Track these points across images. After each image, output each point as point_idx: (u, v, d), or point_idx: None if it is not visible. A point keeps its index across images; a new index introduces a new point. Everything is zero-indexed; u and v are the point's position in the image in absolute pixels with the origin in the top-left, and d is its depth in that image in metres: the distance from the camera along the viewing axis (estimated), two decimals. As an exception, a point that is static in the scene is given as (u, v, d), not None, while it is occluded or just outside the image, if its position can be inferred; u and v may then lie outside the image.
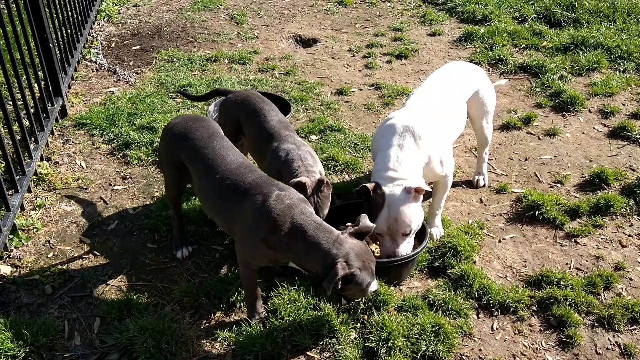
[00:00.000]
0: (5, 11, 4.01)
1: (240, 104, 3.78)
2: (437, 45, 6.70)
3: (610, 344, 3.01)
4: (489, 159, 4.59)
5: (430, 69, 6.11)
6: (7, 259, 3.47)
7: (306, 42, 6.79)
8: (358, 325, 3.05)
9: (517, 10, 7.42)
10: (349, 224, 3.62)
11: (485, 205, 4.08)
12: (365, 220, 2.81)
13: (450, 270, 3.38)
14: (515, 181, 4.33)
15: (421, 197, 3.17)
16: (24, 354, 2.83)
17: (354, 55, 6.42)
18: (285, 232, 2.71)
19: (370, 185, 3.16)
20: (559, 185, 4.27)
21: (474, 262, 3.50)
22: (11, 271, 3.38)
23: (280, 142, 3.45)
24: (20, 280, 3.32)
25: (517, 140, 4.86)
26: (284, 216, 2.72)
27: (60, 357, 2.88)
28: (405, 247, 3.17)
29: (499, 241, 3.72)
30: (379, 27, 7.15)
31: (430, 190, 3.23)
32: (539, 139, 4.87)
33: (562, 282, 3.30)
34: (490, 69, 6.07)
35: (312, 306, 3.10)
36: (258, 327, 2.96)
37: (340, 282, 2.59)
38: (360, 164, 4.43)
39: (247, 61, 6.12)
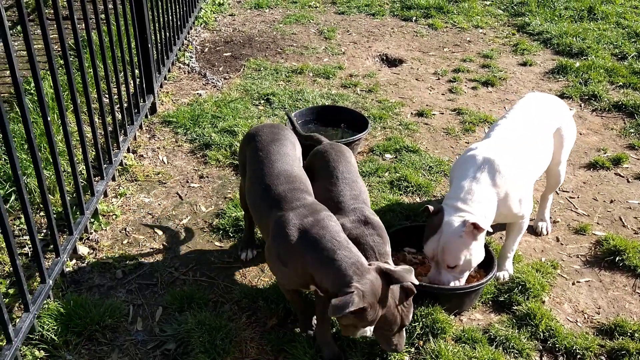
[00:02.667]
0: (113, 11, 4.29)
1: (316, 155, 3.40)
2: (527, 75, 6.50)
3: (687, 410, 2.76)
4: (570, 197, 4.39)
5: (518, 99, 5.93)
6: (86, 241, 3.67)
7: (392, 62, 6.79)
8: (412, 350, 2.98)
9: (617, 46, 7.07)
10: (407, 248, 3.60)
11: (562, 244, 3.89)
12: (402, 270, 2.55)
13: (516, 307, 3.24)
14: (598, 223, 4.10)
15: (479, 235, 3.05)
16: (89, 332, 2.97)
17: (438, 79, 6.35)
18: (300, 247, 2.58)
19: (432, 208, 3.10)
20: (645, 232, 4.00)
21: (543, 301, 3.33)
22: (88, 252, 3.57)
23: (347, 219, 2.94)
24: (95, 262, 3.50)
25: (604, 180, 4.61)
26: (301, 231, 2.60)
27: (122, 340, 3.00)
28: (449, 280, 3.08)
29: (573, 284, 3.53)
30: (467, 53, 7.04)
31: (491, 231, 3.10)
32: (628, 181, 4.60)
33: (637, 334, 3.08)
34: (582, 105, 5.81)
35: (367, 324, 3.06)
36: (307, 341, 2.96)
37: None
38: (432, 187, 4.35)
39: (331, 76, 6.19)
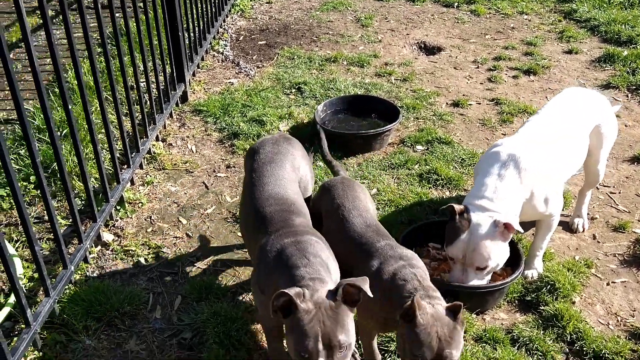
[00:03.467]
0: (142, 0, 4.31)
1: (321, 192, 3.05)
2: (572, 63, 6.21)
3: None
4: (611, 192, 4.16)
5: (561, 88, 5.67)
6: (111, 228, 3.72)
7: (430, 50, 6.61)
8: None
9: (670, 33, 6.66)
10: (431, 244, 3.48)
11: (599, 242, 3.69)
12: (360, 282, 2.14)
13: (543, 307, 3.09)
14: (639, 220, 3.87)
15: (510, 235, 2.92)
16: (108, 318, 3.01)
17: (478, 67, 6.14)
18: (274, 269, 2.37)
19: (458, 207, 2.97)
20: (691, 231, 3.75)
21: (573, 302, 3.17)
22: (113, 239, 3.62)
23: (378, 262, 2.55)
24: (119, 249, 3.54)
25: (648, 175, 4.36)
26: (278, 252, 2.39)
27: (140, 327, 3.03)
28: (475, 281, 2.95)
29: (607, 284, 3.35)
30: (510, 40, 6.78)
31: (522, 231, 2.96)
32: (676, 177, 4.33)
33: (674, 341, 2.89)
34: (629, 95, 5.50)
35: (385, 320, 2.98)
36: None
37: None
38: (464, 181, 4.21)
39: (365, 64, 6.08)
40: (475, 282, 2.97)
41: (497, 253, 2.92)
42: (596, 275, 3.40)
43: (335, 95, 5.34)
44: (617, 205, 4.04)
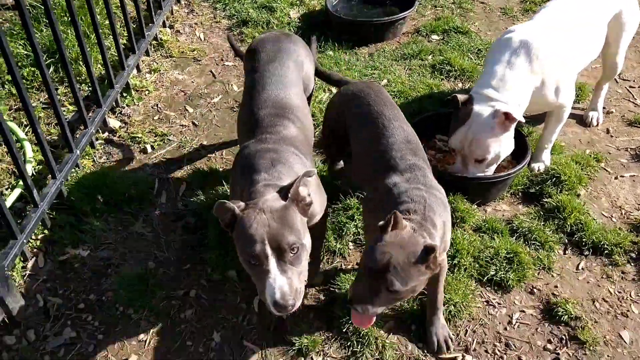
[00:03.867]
0: None
1: (348, 101, 2.76)
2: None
3: None
4: (630, 87, 3.99)
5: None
6: (118, 115, 3.72)
7: None
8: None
9: None
10: (439, 136, 3.43)
11: (612, 136, 3.59)
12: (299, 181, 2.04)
13: (546, 200, 3.08)
14: (657, 115, 3.74)
15: (511, 126, 2.82)
16: (115, 202, 3.09)
17: (504, -48, 5.72)
18: (238, 173, 2.31)
19: (461, 97, 2.87)
20: None
21: (578, 195, 3.14)
22: (120, 126, 3.63)
23: (401, 179, 2.32)
24: (126, 136, 3.57)
25: (674, 68, 4.15)
26: (250, 157, 2.28)
27: (146, 211, 3.10)
28: (474, 173, 2.92)
29: (616, 178, 3.29)
30: None
31: (523, 121, 2.86)
32: (703, 70, 4.11)
33: (676, 235, 2.88)
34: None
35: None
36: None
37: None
38: (478, 72, 4.06)
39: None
40: (476, 174, 2.95)
41: (496, 144, 2.85)
42: (605, 169, 3.35)
43: (351, -20, 5.07)
44: (635, 99, 3.89)
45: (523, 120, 2.84)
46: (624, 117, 3.73)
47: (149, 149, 3.49)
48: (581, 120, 3.70)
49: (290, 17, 4.63)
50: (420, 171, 2.36)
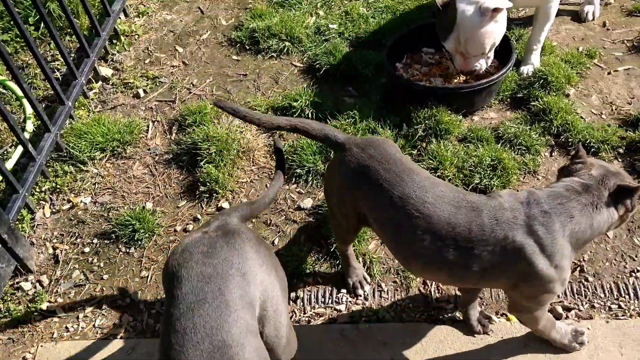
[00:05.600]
0: None
1: (356, 177, 2.03)
2: None
3: None
4: (631, -28, 3.77)
5: None
6: (110, 62, 3.79)
7: None
8: (414, 152, 2.95)
9: None
10: (425, 48, 3.36)
11: (608, 30, 3.45)
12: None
13: (533, 103, 3.03)
14: (658, 1, 3.55)
15: (501, 15, 2.75)
16: (111, 148, 3.21)
17: None
18: None
19: (440, 1, 2.80)
20: None
21: (567, 95, 3.08)
22: (112, 74, 3.71)
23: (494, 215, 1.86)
24: (119, 83, 3.65)
25: (681, -53, 3.87)
26: None
27: (142, 153, 3.22)
28: (480, 64, 2.89)
29: (609, 73, 3.20)
30: None
31: (511, 5, 2.76)
32: None
33: (666, 125, 2.81)
34: None
35: (370, 129, 3.03)
36: (312, 145, 3.00)
37: None
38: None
39: None
40: (480, 65, 2.93)
41: (491, 37, 2.82)
42: (598, 65, 3.25)
43: None
44: (638, -14, 3.68)
45: (510, 4, 2.75)
46: (622, 7, 3.56)
47: (142, 93, 3.57)
48: (577, 16, 3.55)
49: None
50: (496, 200, 1.90)
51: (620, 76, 3.17)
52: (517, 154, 2.85)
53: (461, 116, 3.04)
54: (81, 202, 2.99)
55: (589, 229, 1.82)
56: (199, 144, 3.08)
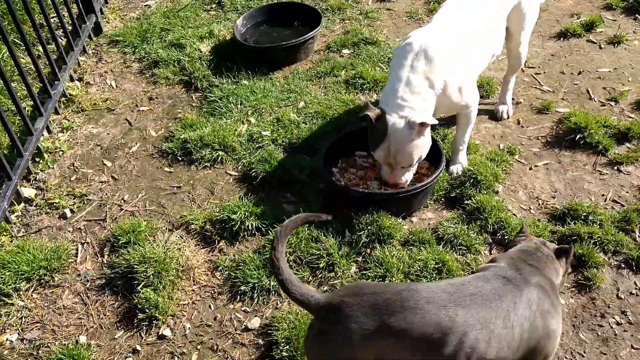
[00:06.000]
0: None
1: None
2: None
3: (636, 288, 2.72)
4: (536, 73, 4.13)
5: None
6: (33, 182, 3.61)
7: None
8: (360, 259, 2.95)
9: None
10: (358, 152, 3.46)
11: (523, 127, 3.71)
12: None
13: (467, 202, 3.15)
14: (563, 99, 3.87)
15: (427, 130, 2.91)
16: (37, 277, 2.99)
17: (404, -46, 5.83)
18: None
19: (372, 114, 2.92)
20: (612, 103, 3.78)
21: (496, 192, 3.23)
22: (36, 194, 3.52)
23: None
24: (43, 203, 3.46)
25: (574, 50, 4.31)
26: None
27: (71, 281, 3.02)
28: (405, 177, 2.99)
29: (530, 169, 3.40)
30: None
31: (437, 123, 2.94)
32: (600, 47, 4.29)
33: (590, 218, 2.99)
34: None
35: (313, 238, 3.02)
36: (255, 259, 2.94)
37: None
38: (390, 80, 4.11)
39: (286, -34, 5.72)
40: (405, 178, 3.02)
41: (418, 150, 2.94)
42: (519, 162, 3.45)
43: (258, 4, 5.07)
44: (542, 85, 4.03)
45: (436, 122, 2.90)
46: (532, 106, 3.85)
47: (69, 213, 3.40)
48: (493, 115, 3.80)
49: (201, 52, 4.59)
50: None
51: (540, 171, 3.37)
52: (459, 255, 2.91)
53: (400, 219, 3.10)
54: (7, 340, 2.72)
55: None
56: (135, 266, 2.93)
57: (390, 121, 2.91)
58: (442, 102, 3.04)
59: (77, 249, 3.17)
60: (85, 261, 3.12)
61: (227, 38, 4.75)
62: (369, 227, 3.00)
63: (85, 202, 3.47)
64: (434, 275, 2.78)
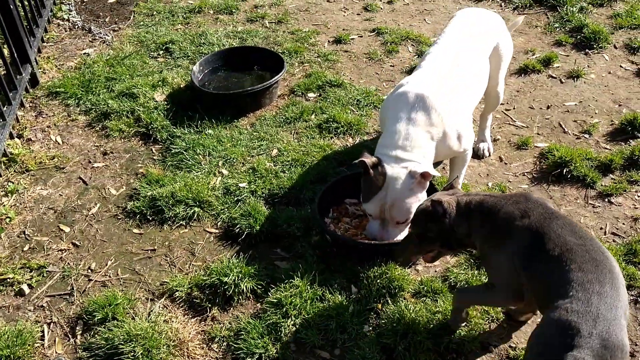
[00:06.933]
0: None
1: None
2: (442, -20, 6.09)
3: (657, 322, 2.67)
4: (506, 109, 4.15)
5: (436, 8, 5.57)
6: (-22, 256, 3.12)
7: (298, -15, 6.19)
8: (373, 315, 2.71)
9: None
10: (348, 200, 3.27)
11: (506, 164, 3.67)
12: None
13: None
14: (538, 133, 3.89)
15: (427, 183, 2.76)
16: (-2, 370, 2.52)
17: (351, -3, 5.84)
18: None
19: (369, 161, 2.74)
20: (586, 135, 3.84)
21: (498, 232, 3.12)
22: (-18, 270, 3.03)
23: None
24: (-7, 281, 2.98)
25: (537, 85, 4.39)
26: None
27: (40, 370, 2.57)
28: (396, 235, 2.81)
29: (524, 205, 3.33)
30: (377, -37, 6.51)
31: (439, 175, 2.82)
32: (561, 82, 4.40)
33: (598, 253, 2.93)
34: (503, 4, 5.51)
35: (318, 297, 2.76)
36: (257, 325, 2.63)
37: None
38: (364, 123, 3.99)
39: (234, 10, 5.57)
40: (399, 237, 2.82)
41: (416, 204, 2.75)
42: (512, 199, 3.38)
43: (209, 50, 4.84)
44: (515, 121, 4.04)
45: (438, 174, 2.77)
46: (510, 142, 3.84)
47: (26, 289, 2.94)
48: (475, 153, 3.74)
49: (155, 101, 4.27)
50: None
51: (535, 207, 3.31)
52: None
53: (407, 269, 2.91)
54: None
55: None
56: (120, 346, 2.53)
57: (389, 170, 2.74)
58: (440, 151, 2.92)
59: (43, 331, 2.72)
60: (55, 344, 2.67)
61: (181, 85, 4.47)
62: (378, 280, 2.78)
63: (45, 275, 3.02)
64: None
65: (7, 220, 3.35)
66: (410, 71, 4.43)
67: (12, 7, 4.16)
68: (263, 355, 2.54)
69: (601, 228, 3.15)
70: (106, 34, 5.23)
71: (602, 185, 3.40)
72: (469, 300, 2.56)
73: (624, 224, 3.17)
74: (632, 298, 2.77)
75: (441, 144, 2.88)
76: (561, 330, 1.87)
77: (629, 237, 3.06)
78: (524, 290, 2.23)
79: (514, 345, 2.57)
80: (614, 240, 3.06)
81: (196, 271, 3.00)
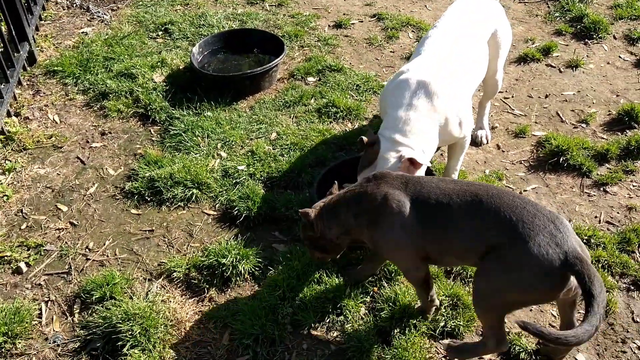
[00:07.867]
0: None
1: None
2: (443, -34, 6.06)
3: (648, 310, 2.71)
4: (505, 98, 4.16)
5: (437, -5, 5.54)
6: (-25, 234, 3.12)
7: (299, -32, 6.14)
8: (368, 299, 2.74)
9: None
10: (346, 184, 3.27)
11: (503, 152, 3.69)
12: None
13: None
14: (536, 122, 3.91)
15: (415, 171, 2.71)
16: (-4, 346, 2.53)
17: (351, -19, 5.80)
18: None
19: (366, 139, 2.76)
20: (583, 125, 3.85)
21: (494, 219, 3.15)
22: (-20, 248, 3.04)
23: None
24: (-9, 258, 2.99)
25: (536, 74, 4.39)
26: None
27: (38, 347, 2.58)
28: None
29: (520, 192, 3.36)
30: (378, -52, 6.46)
31: (430, 165, 2.82)
32: (560, 71, 4.40)
33: (592, 240, 2.97)
34: (503, -8, 5.49)
35: (315, 280, 2.78)
36: (254, 306, 2.65)
37: None
38: (363, 109, 3.99)
39: (234, -8, 5.53)
40: None
41: None
42: (508, 187, 3.40)
43: (209, 32, 4.82)
44: (513, 110, 4.05)
45: (429, 164, 2.77)
46: (508, 130, 3.85)
47: (24, 267, 2.95)
48: (473, 141, 3.75)
49: (154, 82, 4.25)
50: None
51: (530, 195, 3.34)
52: (470, 287, 2.78)
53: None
54: None
55: None
56: (118, 325, 2.55)
57: (382, 150, 2.75)
58: (441, 137, 2.92)
59: (40, 309, 2.74)
60: (52, 322, 2.69)
61: (181, 67, 4.45)
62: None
63: (43, 254, 3.03)
64: (450, 311, 2.62)
65: (5, 198, 3.35)
66: (410, 57, 4.43)
67: (10, -16, 4.11)
68: (260, 336, 2.56)
69: (596, 217, 3.18)
70: (104, 13, 5.19)
71: (597, 175, 3.43)
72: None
73: (618, 213, 3.20)
74: (624, 286, 2.81)
75: (443, 130, 2.88)
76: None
77: (623, 226, 3.09)
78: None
79: (507, 330, 2.61)
80: (608, 229, 3.10)
81: (194, 252, 3.02)
